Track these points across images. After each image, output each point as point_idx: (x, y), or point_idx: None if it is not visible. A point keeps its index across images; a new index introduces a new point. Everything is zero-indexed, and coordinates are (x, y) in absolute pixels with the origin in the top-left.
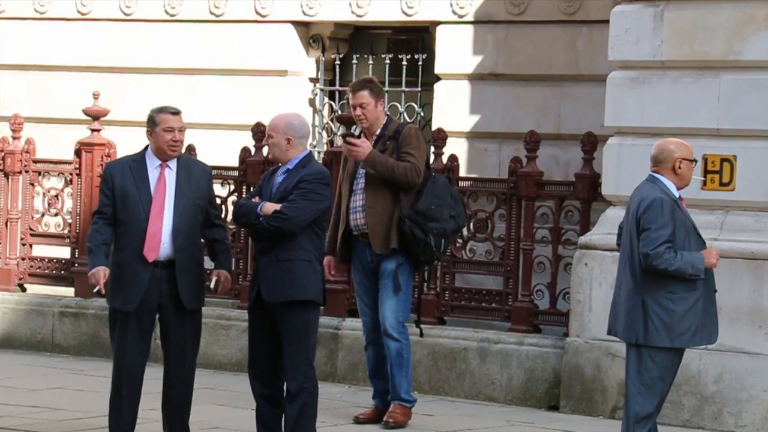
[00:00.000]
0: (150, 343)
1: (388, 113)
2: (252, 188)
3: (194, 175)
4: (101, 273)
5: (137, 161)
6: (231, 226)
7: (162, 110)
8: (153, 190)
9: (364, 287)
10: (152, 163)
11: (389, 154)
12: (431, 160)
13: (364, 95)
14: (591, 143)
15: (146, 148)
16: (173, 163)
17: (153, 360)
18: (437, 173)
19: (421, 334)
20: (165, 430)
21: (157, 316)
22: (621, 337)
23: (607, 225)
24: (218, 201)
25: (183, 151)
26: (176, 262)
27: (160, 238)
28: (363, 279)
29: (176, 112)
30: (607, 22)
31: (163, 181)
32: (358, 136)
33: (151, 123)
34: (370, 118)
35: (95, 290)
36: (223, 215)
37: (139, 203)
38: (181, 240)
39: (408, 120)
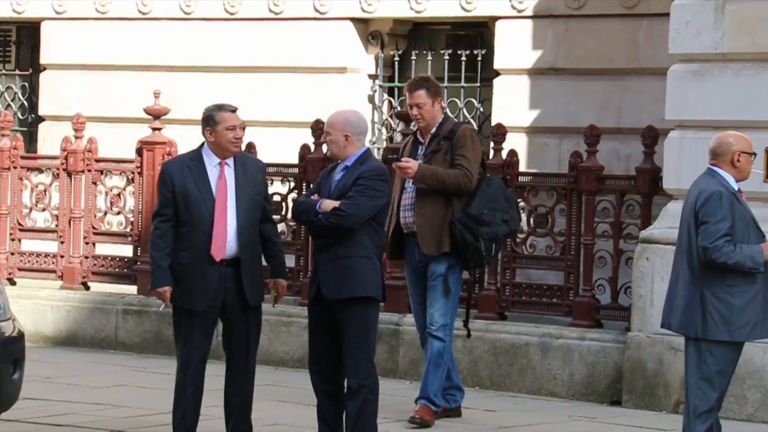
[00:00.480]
0: (212, 341)
1: (446, 111)
2: (311, 185)
3: (251, 171)
4: (168, 294)
5: (195, 160)
6: (291, 224)
7: (220, 108)
8: (214, 189)
9: (415, 287)
10: (210, 162)
11: (443, 155)
12: (490, 156)
13: (421, 95)
14: (652, 137)
15: (202, 145)
16: (231, 161)
17: (212, 357)
18: (492, 175)
19: (469, 335)
20: (228, 427)
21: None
22: (676, 331)
23: (669, 219)
24: (279, 198)
25: (243, 148)
26: (242, 259)
27: (226, 237)
28: (413, 278)
29: (234, 110)
30: (667, 15)
31: (224, 180)
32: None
33: (211, 122)
34: (426, 118)
35: (161, 308)
36: (283, 212)
37: (202, 203)
38: (245, 237)
39: (467, 116)
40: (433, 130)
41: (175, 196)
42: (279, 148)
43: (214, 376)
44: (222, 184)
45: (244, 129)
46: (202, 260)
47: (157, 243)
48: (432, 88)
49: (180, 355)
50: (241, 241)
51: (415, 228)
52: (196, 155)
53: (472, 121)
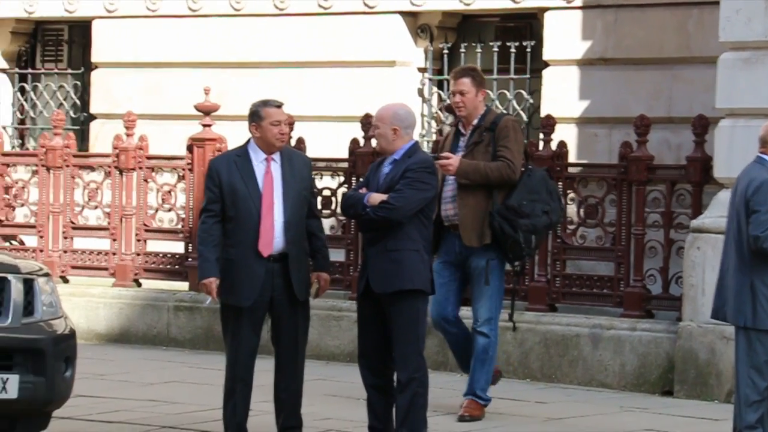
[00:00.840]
0: (260, 336)
1: (488, 104)
2: (361, 179)
3: (297, 167)
4: (214, 285)
5: (241, 156)
6: (341, 218)
7: (266, 104)
8: (261, 185)
9: (442, 276)
10: (257, 157)
11: (485, 146)
12: (540, 147)
13: (466, 82)
14: (702, 126)
15: (248, 141)
16: (277, 156)
17: (262, 352)
18: (535, 166)
19: (515, 328)
20: (278, 423)
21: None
22: (729, 321)
23: (720, 208)
24: (328, 192)
25: (293, 144)
26: (289, 255)
27: (273, 232)
28: (445, 270)
29: (280, 105)
30: (717, 3)
31: (270, 175)
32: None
33: (257, 117)
34: (468, 107)
35: (208, 303)
36: (333, 207)
37: (249, 199)
38: (292, 233)
39: (517, 108)
40: (475, 121)
41: (222, 192)
42: (328, 142)
43: (264, 371)
44: (269, 179)
45: (291, 125)
46: (249, 256)
47: (204, 237)
48: (477, 78)
49: (229, 351)
50: (288, 236)
51: (456, 220)
52: (242, 151)
53: (521, 113)
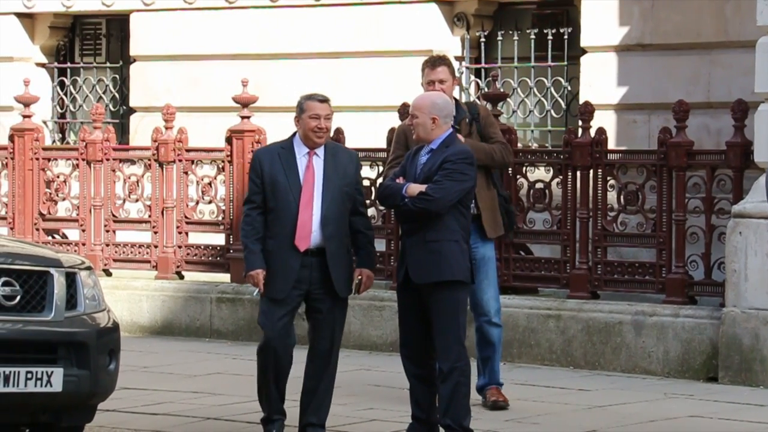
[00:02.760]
0: (293, 323)
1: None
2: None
3: (341, 162)
4: (261, 276)
5: (285, 148)
6: (381, 208)
7: (310, 97)
8: (302, 179)
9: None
10: (300, 151)
11: (474, 137)
12: (579, 134)
13: (444, 71)
14: (742, 110)
15: (294, 134)
16: (321, 151)
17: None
18: None
19: None
20: (302, 418)
21: (305, 303)
22: None
23: (761, 193)
24: (368, 183)
25: (331, 135)
26: (327, 250)
27: (311, 226)
28: None
29: (324, 100)
30: None
31: (312, 169)
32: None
33: (299, 110)
34: (448, 95)
35: (255, 294)
36: (372, 197)
37: (289, 192)
38: (330, 228)
39: (555, 95)
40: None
41: (264, 184)
42: (367, 132)
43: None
44: (309, 173)
45: (330, 119)
46: (285, 248)
47: (248, 230)
48: (452, 67)
49: (262, 342)
50: (326, 232)
51: (475, 211)
52: (287, 144)
53: (560, 100)
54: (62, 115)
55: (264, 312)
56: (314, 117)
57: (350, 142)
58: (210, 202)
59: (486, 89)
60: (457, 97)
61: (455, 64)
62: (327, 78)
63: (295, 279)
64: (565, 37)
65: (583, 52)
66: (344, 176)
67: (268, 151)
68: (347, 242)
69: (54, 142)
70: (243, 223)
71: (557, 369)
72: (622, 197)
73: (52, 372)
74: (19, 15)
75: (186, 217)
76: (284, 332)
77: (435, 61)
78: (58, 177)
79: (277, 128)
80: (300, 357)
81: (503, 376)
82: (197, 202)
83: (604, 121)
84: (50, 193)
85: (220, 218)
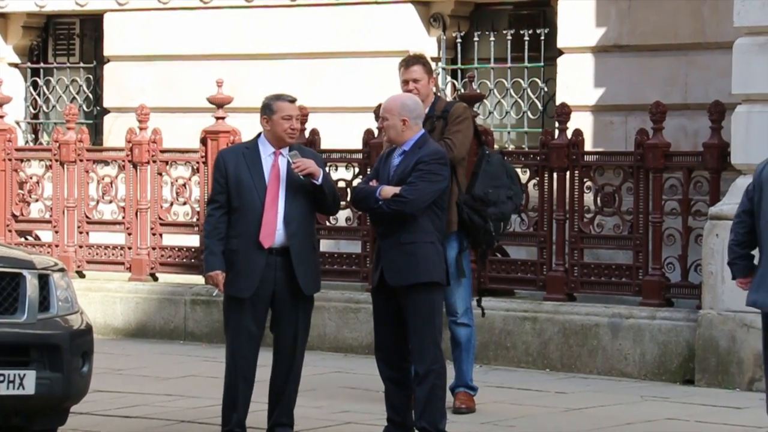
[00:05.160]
0: (263, 331)
1: (437, 93)
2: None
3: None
4: (220, 278)
5: (250, 148)
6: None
7: (279, 98)
8: (267, 178)
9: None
10: (266, 151)
11: (438, 134)
12: (555, 135)
13: (418, 70)
14: (719, 112)
15: (259, 135)
16: (286, 151)
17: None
18: (492, 151)
19: (483, 314)
20: (270, 418)
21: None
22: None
23: (738, 194)
24: (343, 184)
25: (307, 136)
26: (291, 248)
27: (276, 225)
28: None
29: (293, 100)
30: None
31: (277, 168)
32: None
33: (268, 110)
34: (422, 94)
35: (215, 294)
36: (348, 198)
37: (254, 190)
38: (294, 226)
39: (532, 96)
40: (426, 109)
41: (228, 183)
42: (342, 133)
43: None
44: (275, 173)
45: (305, 119)
46: (250, 247)
47: (209, 230)
48: (427, 65)
49: (229, 344)
50: (290, 229)
51: None
52: (252, 144)
53: (536, 101)
54: (35, 116)
55: (234, 327)
56: (286, 118)
57: (326, 143)
58: (184, 203)
59: (462, 90)
60: (440, 94)
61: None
62: (303, 78)
63: (260, 277)
64: (542, 38)
65: (560, 53)
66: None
67: (232, 151)
68: (312, 241)
69: (27, 142)
70: (206, 223)
71: (534, 371)
72: (598, 199)
73: (24, 375)
74: None
75: (160, 218)
76: (252, 349)
77: (409, 61)
78: (31, 178)
79: (253, 129)
80: (265, 359)
81: (479, 378)
82: (171, 204)
83: (581, 122)
84: (23, 194)
85: (194, 220)
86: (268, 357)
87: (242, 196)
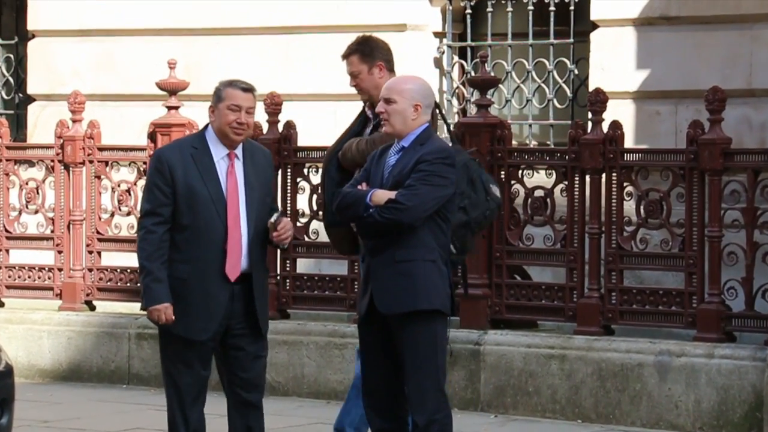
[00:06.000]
0: (209, 372)
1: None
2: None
3: (260, 165)
4: (170, 311)
5: (199, 149)
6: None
7: (231, 84)
8: (225, 188)
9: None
10: (218, 152)
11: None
12: (588, 128)
13: (354, 61)
14: None
15: (206, 127)
16: (239, 151)
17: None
18: (461, 149)
19: (451, 354)
20: None
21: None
22: None
23: None
24: None
25: (281, 129)
26: (253, 277)
27: (242, 250)
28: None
29: (248, 89)
30: None
31: (234, 176)
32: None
33: (216, 98)
34: (365, 88)
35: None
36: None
37: (212, 205)
38: (257, 250)
39: (559, 80)
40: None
41: (176, 194)
42: (325, 124)
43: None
44: (232, 182)
45: (252, 114)
46: (208, 277)
47: (149, 250)
48: (367, 50)
49: (171, 392)
50: (253, 255)
51: None
52: (199, 141)
53: (564, 86)
54: None
55: (178, 372)
56: (233, 108)
57: (303, 138)
58: (129, 213)
59: (472, 73)
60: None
61: (433, 42)
62: (276, 59)
63: (222, 315)
64: (572, 7)
65: (594, 27)
66: (264, 183)
67: (177, 151)
68: (266, 266)
69: None
70: (142, 241)
71: (562, 423)
72: (642, 208)
73: None
74: None
75: (98, 232)
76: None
77: (345, 52)
78: None
79: None
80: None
81: (494, 431)
82: (112, 214)
83: (620, 112)
84: None
85: None
86: (218, 404)
87: (196, 211)
